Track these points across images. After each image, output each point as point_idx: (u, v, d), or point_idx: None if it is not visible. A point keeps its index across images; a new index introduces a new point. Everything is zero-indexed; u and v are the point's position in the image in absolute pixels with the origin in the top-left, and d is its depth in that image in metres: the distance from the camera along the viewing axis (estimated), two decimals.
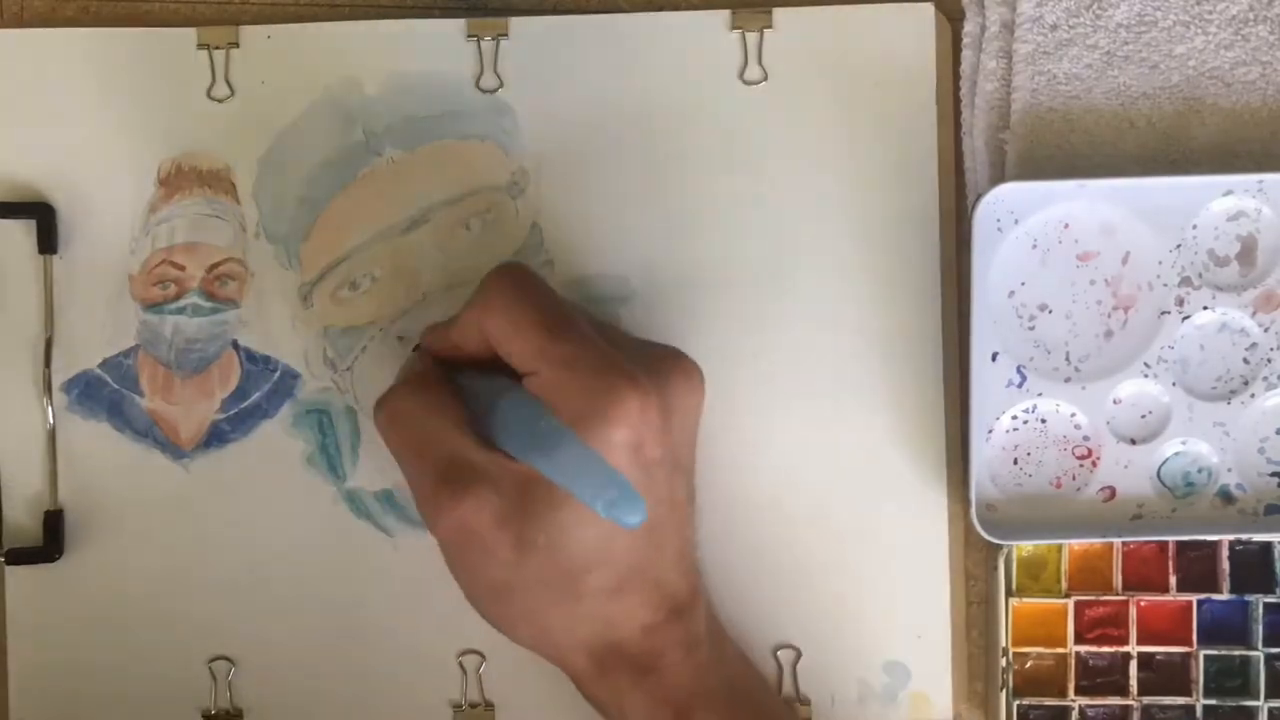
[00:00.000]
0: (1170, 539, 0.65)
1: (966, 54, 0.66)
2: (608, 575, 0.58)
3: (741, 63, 0.67)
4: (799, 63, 0.66)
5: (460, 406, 0.59)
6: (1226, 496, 0.65)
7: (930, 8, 0.66)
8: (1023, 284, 0.65)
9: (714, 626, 0.63)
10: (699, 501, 0.64)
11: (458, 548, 0.58)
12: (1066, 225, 0.64)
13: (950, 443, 0.66)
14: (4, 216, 0.66)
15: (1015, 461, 0.65)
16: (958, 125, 0.66)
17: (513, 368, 0.58)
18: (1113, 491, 0.65)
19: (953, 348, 0.66)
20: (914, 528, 0.67)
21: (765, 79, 0.67)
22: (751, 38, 0.66)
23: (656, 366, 0.59)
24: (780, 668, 0.67)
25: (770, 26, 0.66)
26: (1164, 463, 0.65)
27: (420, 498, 0.58)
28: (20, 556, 0.66)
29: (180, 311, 0.67)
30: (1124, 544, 0.65)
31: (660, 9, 0.67)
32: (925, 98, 0.66)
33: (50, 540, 0.66)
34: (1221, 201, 0.63)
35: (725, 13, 0.66)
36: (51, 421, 0.66)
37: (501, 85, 0.67)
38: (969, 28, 0.66)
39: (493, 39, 0.66)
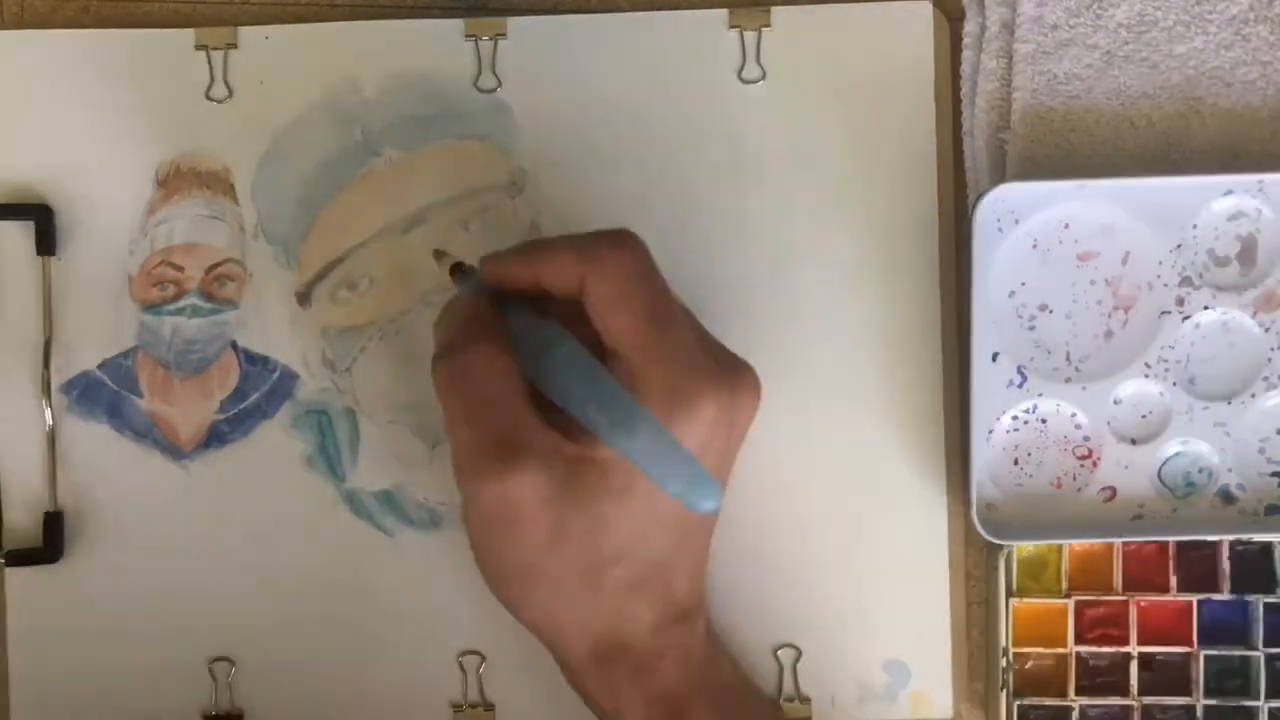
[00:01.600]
0: (1170, 539, 0.65)
1: (967, 54, 0.66)
2: (630, 571, 0.58)
3: (740, 61, 0.66)
4: (797, 61, 0.66)
5: (517, 366, 0.57)
6: (1227, 497, 0.65)
7: (928, 6, 0.66)
8: (1023, 284, 0.64)
9: (711, 632, 0.63)
10: None
11: (491, 521, 0.57)
12: (1067, 225, 0.64)
13: (950, 443, 0.66)
14: (3, 218, 0.66)
15: (1016, 462, 0.65)
16: (957, 125, 0.66)
17: (584, 322, 0.57)
18: (1113, 492, 0.65)
19: (952, 348, 0.66)
20: (914, 528, 0.66)
21: (763, 78, 0.66)
22: (750, 36, 0.66)
23: (732, 375, 0.58)
24: (781, 667, 0.67)
25: (768, 25, 0.66)
26: (1164, 463, 0.65)
27: (465, 462, 0.56)
28: (20, 558, 0.66)
29: (179, 312, 0.67)
30: (1124, 544, 0.65)
31: (659, 8, 0.67)
32: (924, 96, 0.66)
33: (50, 542, 0.66)
34: (1222, 201, 0.63)
35: (723, 12, 0.66)
36: (51, 423, 0.66)
37: (500, 85, 0.67)
38: (969, 27, 0.66)
39: (491, 39, 0.66)
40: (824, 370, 0.66)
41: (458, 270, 0.61)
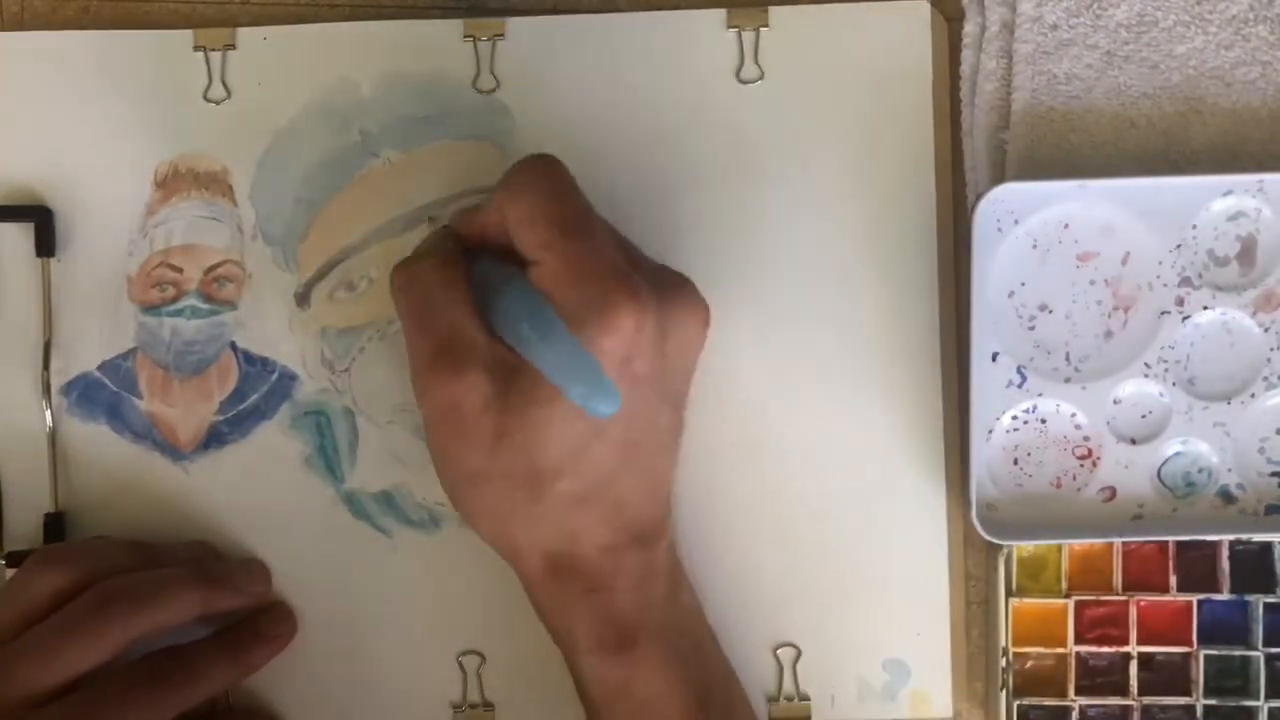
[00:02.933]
0: (1170, 539, 0.65)
1: (966, 54, 0.66)
2: (575, 484, 0.58)
3: (738, 61, 0.66)
4: (795, 61, 0.66)
5: (468, 289, 0.59)
6: (1227, 496, 0.65)
7: (926, 6, 0.66)
8: (1023, 284, 0.64)
9: (674, 569, 0.63)
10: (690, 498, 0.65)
11: (441, 426, 0.58)
12: (1066, 225, 0.64)
13: (949, 442, 0.66)
14: (2, 219, 0.66)
15: (1015, 461, 0.65)
16: (955, 124, 0.66)
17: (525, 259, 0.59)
18: (1113, 492, 0.65)
19: (950, 347, 0.66)
20: (914, 528, 0.66)
21: (761, 77, 0.66)
22: (748, 36, 0.66)
23: (665, 290, 0.59)
24: (780, 666, 0.67)
25: (766, 25, 0.66)
26: (1164, 463, 0.65)
27: (416, 369, 0.58)
28: (21, 560, 0.65)
29: (178, 314, 0.67)
30: (1124, 544, 0.65)
31: (657, 9, 0.67)
32: (922, 96, 0.66)
33: (51, 543, 0.66)
34: (1221, 201, 0.63)
35: (721, 11, 0.66)
36: (51, 424, 0.66)
37: (498, 86, 0.67)
38: (969, 28, 0.66)
39: (489, 39, 0.66)
40: (823, 371, 0.66)
41: (443, 227, 0.64)
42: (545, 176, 0.58)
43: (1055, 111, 0.65)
